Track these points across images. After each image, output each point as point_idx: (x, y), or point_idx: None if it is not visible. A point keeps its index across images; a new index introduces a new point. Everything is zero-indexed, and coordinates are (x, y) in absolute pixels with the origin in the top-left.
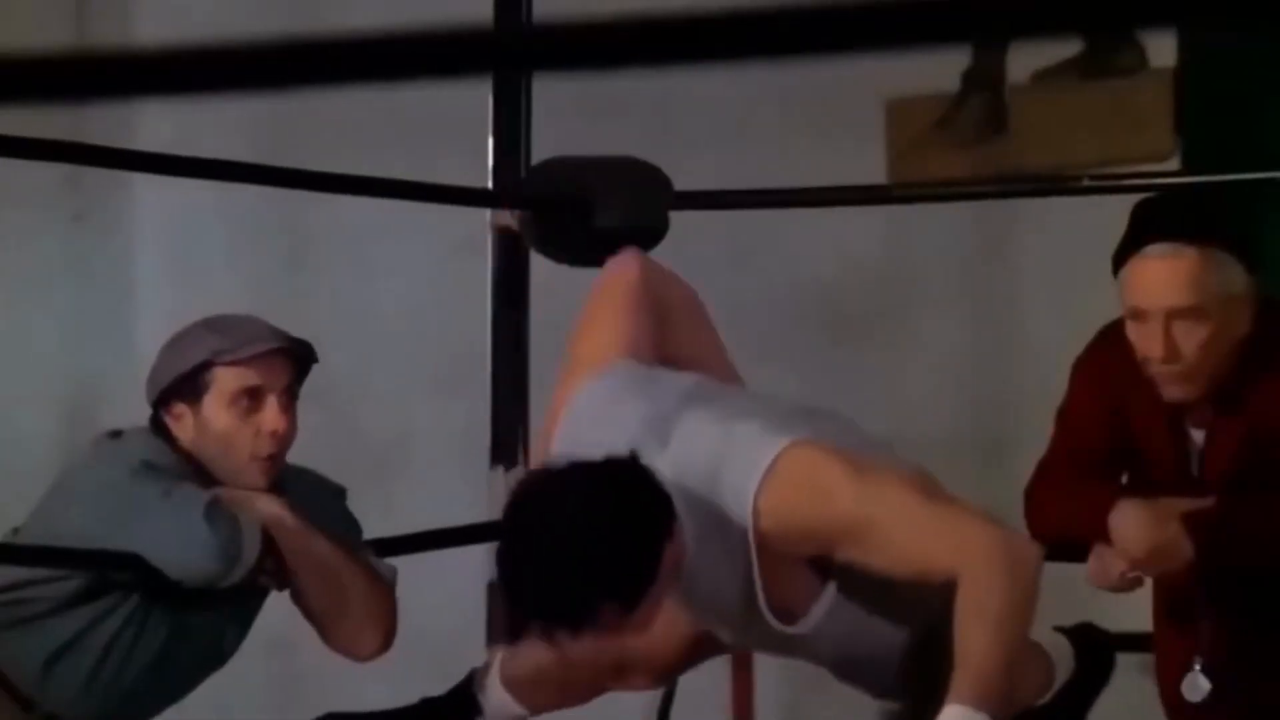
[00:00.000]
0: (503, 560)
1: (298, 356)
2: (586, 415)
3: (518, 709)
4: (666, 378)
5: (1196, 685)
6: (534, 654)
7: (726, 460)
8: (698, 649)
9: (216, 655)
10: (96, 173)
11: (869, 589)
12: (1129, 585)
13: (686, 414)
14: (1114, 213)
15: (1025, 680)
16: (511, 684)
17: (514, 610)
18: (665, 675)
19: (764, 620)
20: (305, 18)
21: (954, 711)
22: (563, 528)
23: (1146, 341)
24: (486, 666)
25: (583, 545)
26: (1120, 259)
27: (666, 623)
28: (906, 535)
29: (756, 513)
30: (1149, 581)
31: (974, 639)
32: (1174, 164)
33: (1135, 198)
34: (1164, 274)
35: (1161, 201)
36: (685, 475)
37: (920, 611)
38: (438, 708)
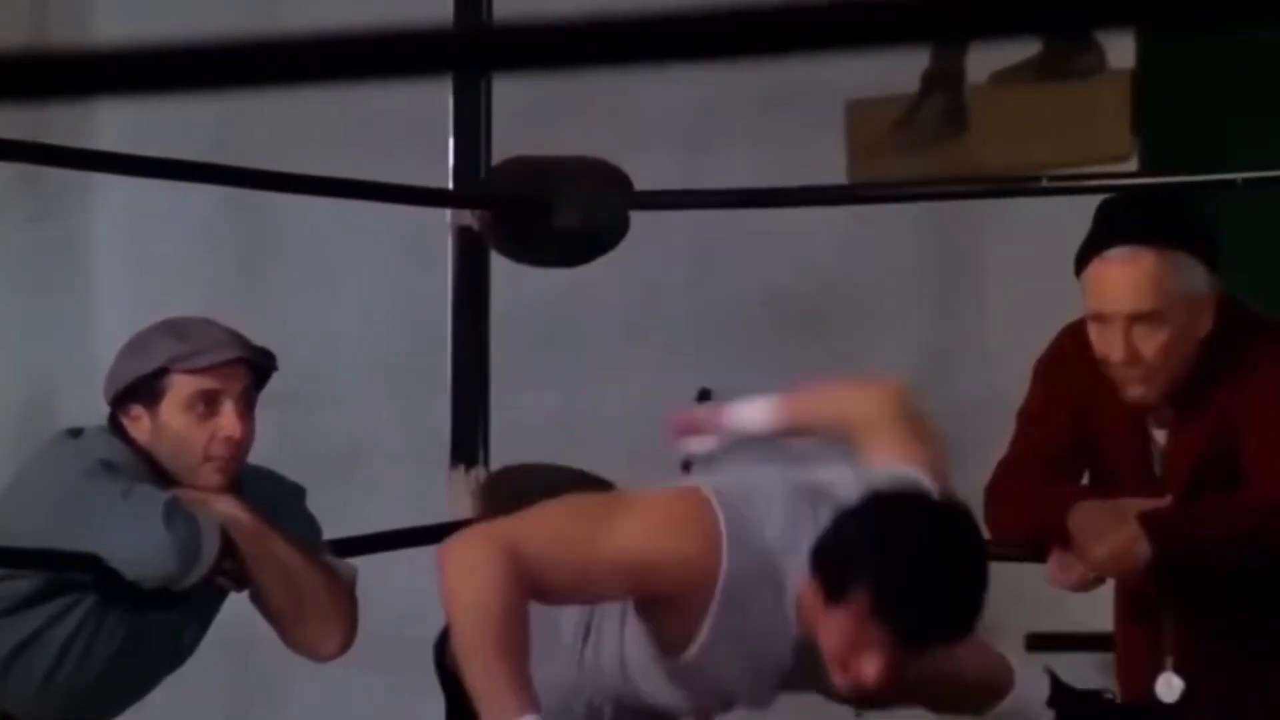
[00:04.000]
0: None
1: (256, 364)
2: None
3: None
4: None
5: (1170, 685)
6: None
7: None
8: None
9: (175, 655)
10: (54, 173)
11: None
12: (1089, 585)
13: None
14: (1073, 213)
15: (976, 667)
16: None
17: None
18: None
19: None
20: (265, 17)
21: None
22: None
23: (1107, 344)
24: None
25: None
26: (1082, 261)
27: None
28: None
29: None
30: (1109, 581)
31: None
32: (1132, 165)
33: (1094, 198)
34: (1124, 278)
35: (1121, 204)
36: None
37: None
38: None
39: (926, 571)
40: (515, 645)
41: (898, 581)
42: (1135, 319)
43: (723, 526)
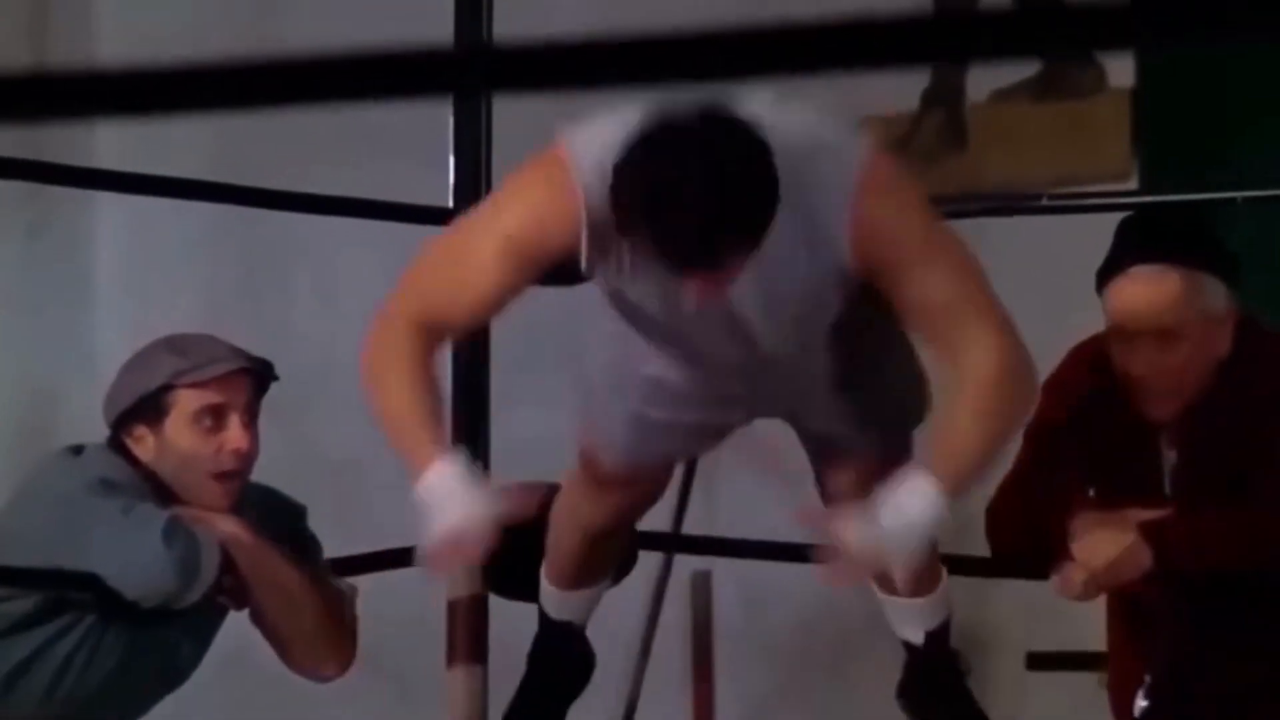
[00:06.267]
0: (673, 184)
1: (258, 375)
2: None
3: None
4: None
5: (1138, 705)
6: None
7: (819, 149)
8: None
9: (174, 675)
10: (53, 187)
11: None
12: (1092, 595)
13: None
14: (1073, 231)
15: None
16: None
17: (686, 237)
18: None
19: (827, 297)
20: (267, 36)
21: (926, 484)
22: (739, 152)
23: (1127, 360)
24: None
25: (758, 167)
26: (1104, 277)
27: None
28: (951, 289)
29: (854, 198)
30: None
31: (973, 433)
32: (1132, 183)
33: (1093, 217)
34: (1147, 295)
35: (1145, 222)
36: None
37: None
38: (548, 656)
39: (650, 170)
40: (419, 400)
41: (626, 187)
42: (1157, 337)
43: (574, 163)
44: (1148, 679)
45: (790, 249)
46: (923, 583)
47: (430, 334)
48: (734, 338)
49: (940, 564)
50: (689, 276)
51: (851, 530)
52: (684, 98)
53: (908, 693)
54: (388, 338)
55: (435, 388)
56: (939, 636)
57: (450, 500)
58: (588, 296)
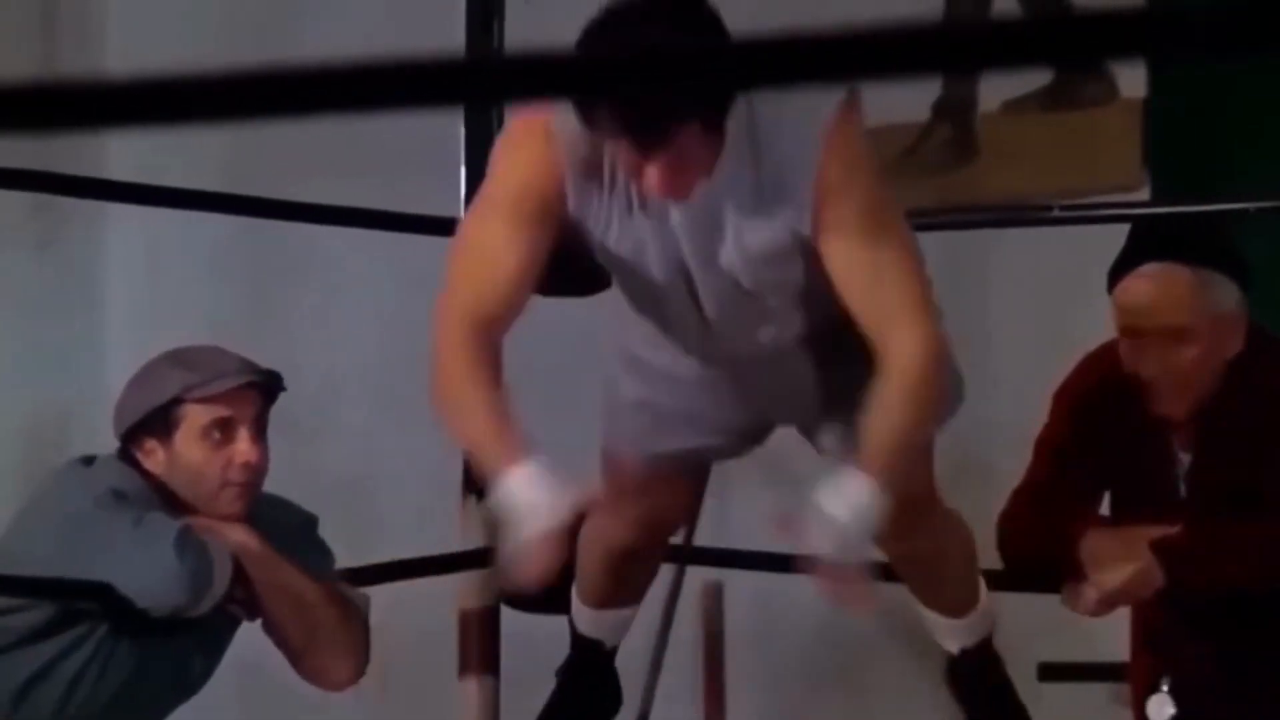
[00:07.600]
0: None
1: (266, 387)
2: None
3: (601, 614)
4: None
5: (1162, 707)
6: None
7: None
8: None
9: (186, 685)
10: (64, 199)
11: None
12: (1104, 610)
13: None
14: (1083, 242)
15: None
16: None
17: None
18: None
19: (792, 256)
20: (277, 46)
21: (864, 482)
22: (695, 22)
23: (1138, 358)
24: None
25: (714, 35)
26: (1115, 276)
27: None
28: (891, 265)
29: (826, 136)
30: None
31: (899, 420)
32: (1143, 194)
33: (1103, 228)
34: (1157, 293)
35: (1156, 222)
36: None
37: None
38: (576, 679)
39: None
40: (490, 406)
41: (592, 39)
42: (1167, 334)
43: (553, 124)
44: (1166, 683)
45: (753, 202)
46: (960, 604)
47: (488, 329)
48: (711, 294)
49: (979, 585)
50: (648, 158)
51: (820, 535)
52: None
53: (951, 682)
54: (449, 349)
55: (503, 390)
56: (976, 650)
57: (533, 504)
58: (601, 309)
